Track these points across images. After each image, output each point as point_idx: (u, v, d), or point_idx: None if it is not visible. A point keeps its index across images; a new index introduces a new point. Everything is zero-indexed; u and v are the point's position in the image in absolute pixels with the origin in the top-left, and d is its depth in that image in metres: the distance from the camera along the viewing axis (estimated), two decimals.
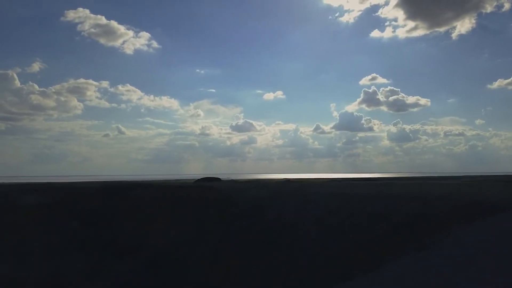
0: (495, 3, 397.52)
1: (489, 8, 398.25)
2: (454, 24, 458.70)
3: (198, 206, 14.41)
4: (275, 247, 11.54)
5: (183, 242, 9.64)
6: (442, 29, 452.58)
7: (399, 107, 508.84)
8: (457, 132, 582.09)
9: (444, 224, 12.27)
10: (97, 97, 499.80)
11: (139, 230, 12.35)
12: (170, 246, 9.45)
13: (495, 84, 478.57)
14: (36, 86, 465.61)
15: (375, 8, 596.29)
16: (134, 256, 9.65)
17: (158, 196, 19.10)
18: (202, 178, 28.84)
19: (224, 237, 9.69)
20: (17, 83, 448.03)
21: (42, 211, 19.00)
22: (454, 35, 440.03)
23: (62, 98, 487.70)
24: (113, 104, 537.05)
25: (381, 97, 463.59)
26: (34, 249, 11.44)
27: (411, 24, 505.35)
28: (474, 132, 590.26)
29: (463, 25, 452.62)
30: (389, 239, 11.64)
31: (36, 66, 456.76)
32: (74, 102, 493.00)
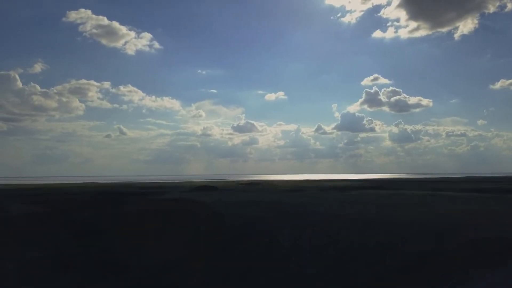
0: (497, 3, 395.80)
1: (491, 8, 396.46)
2: (457, 25, 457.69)
3: (189, 224, 13.92)
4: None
5: (172, 263, 9.19)
6: (444, 30, 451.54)
7: (401, 107, 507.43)
8: (459, 133, 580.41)
9: (458, 265, 10.36)
10: (98, 98, 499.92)
11: (128, 247, 11.93)
12: (159, 266, 8.99)
13: (498, 85, 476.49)
14: (38, 87, 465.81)
15: (377, 8, 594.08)
16: (120, 277, 9.20)
17: (150, 209, 18.77)
18: (199, 187, 28.53)
19: (210, 263, 8.98)
20: (19, 84, 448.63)
21: (29, 223, 18.67)
22: (456, 36, 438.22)
23: (64, 99, 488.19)
24: (114, 105, 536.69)
25: (383, 97, 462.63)
26: (8, 271, 10.91)
27: (413, 24, 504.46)
28: (476, 133, 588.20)
29: (466, 26, 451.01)
30: (393, 280, 9.97)
31: (38, 67, 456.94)
32: (75, 102, 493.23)
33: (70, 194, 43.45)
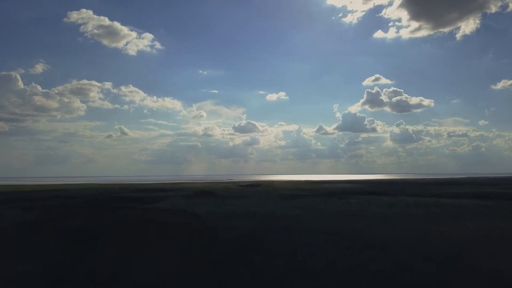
0: (499, 3, 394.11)
1: (493, 9, 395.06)
2: (459, 25, 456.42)
3: (180, 239, 13.27)
4: None
5: (161, 279, 8.67)
6: (446, 30, 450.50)
7: (402, 108, 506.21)
8: (460, 133, 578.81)
9: None
10: (100, 98, 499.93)
11: (119, 259, 11.42)
12: (149, 282, 8.48)
13: (499, 85, 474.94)
14: (39, 87, 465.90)
15: (378, 8, 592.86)
16: None
17: (142, 220, 18.21)
18: (197, 193, 27.95)
19: (198, 284, 8.34)
20: (20, 84, 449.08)
21: (22, 232, 18.15)
22: (458, 36, 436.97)
23: (65, 99, 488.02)
24: (116, 105, 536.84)
25: (384, 98, 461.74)
26: None
27: (415, 24, 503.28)
28: (477, 133, 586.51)
29: (468, 26, 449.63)
30: None
31: (39, 67, 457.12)
32: (77, 103, 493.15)
33: (66, 198, 43.00)
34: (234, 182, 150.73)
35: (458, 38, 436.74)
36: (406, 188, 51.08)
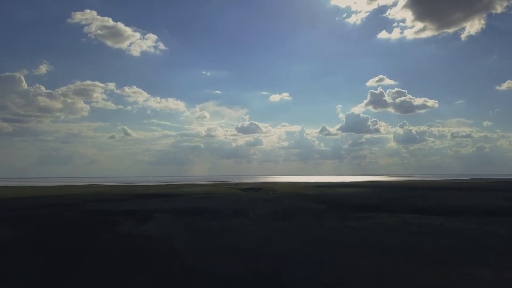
0: (505, 4, 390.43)
1: (499, 9, 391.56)
2: (463, 25, 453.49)
3: (158, 274, 11.87)
4: None
5: None
6: (451, 30, 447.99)
7: (406, 108, 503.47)
8: (464, 134, 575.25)
9: None
10: (103, 99, 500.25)
11: (95, 284, 10.33)
12: None
13: (504, 86, 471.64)
14: (43, 88, 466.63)
15: (382, 9, 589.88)
16: None
17: (128, 247, 16.77)
18: (190, 209, 26.17)
19: None
20: (24, 85, 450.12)
21: (5, 252, 17.07)
22: (463, 36, 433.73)
23: (69, 100, 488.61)
24: (119, 106, 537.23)
25: (388, 98, 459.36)
26: None
27: (419, 25, 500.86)
28: (481, 134, 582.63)
29: (473, 26, 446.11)
30: None
31: (43, 68, 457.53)
32: (80, 104, 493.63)
33: (61, 206, 41.83)
34: (236, 184, 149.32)
35: (463, 39, 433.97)
36: (409, 197, 49.42)
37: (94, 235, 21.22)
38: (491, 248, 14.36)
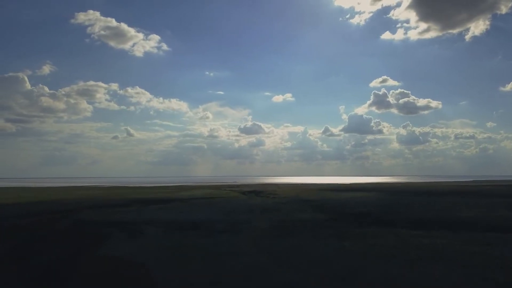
0: (510, 4, 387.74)
1: (504, 9, 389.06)
2: (468, 26, 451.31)
3: None
4: None
5: None
6: (455, 31, 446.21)
7: (409, 109, 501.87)
8: (467, 135, 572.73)
9: None
10: (106, 100, 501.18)
11: None
12: None
13: (508, 86, 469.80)
14: (46, 89, 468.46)
15: (386, 9, 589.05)
16: None
17: (105, 272, 15.92)
18: (182, 224, 25.06)
19: None
20: (28, 85, 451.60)
21: None
22: (467, 37, 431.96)
23: (72, 100, 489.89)
24: (122, 106, 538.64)
25: (391, 99, 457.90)
26: None
27: (423, 25, 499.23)
28: (485, 135, 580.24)
29: (477, 27, 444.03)
30: None
31: (46, 69, 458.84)
32: (83, 104, 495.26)
33: (53, 214, 41.13)
34: (238, 186, 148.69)
35: (467, 40, 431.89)
36: (410, 204, 48.43)
37: (75, 254, 20.44)
38: (496, 283, 13.33)
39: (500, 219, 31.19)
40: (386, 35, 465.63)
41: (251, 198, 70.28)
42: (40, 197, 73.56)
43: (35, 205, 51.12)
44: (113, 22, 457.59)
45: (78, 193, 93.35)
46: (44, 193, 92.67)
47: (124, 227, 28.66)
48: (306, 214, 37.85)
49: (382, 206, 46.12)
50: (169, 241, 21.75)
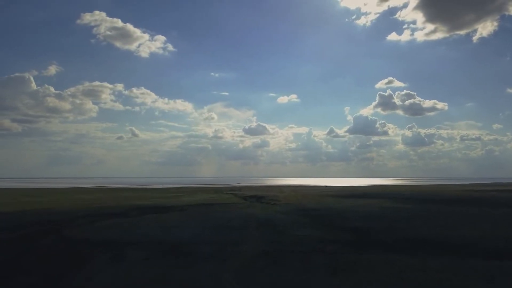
0: None
1: None
2: (476, 27, 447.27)
3: None
4: None
5: None
6: (462, 32, 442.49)
7: (415, 111, 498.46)
8: (473, 137, 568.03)
9: None
10: (111, 100, 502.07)
11: None
12: None
13: None
14: (52, 89, 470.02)
15: (393, 10, 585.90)
16: None
17: None
18: (169, 245, 23.82)
19: None
20: (34, 85, 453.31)
21: None
22: (475, 38, 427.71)
23: (78, 101, 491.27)
24: (127, 107, 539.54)
25: (397, 100, 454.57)
26: None
27: (430, 27, 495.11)
28: (491, 137, 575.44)
29: (485, 28, 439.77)
30: None
31: (52, 69, 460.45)
32: (89, 104, 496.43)
33: (43, 225, 40.04)
34: (240, 189, 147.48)
35: (474, 41, 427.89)
36: (410, 217, 47.12)
37: (49, 280, 19.28)
38: None
39: (507, 241, 29.60)
40: (393, 36, 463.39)
41: (250, 206, 68.92)
42: (36, 202, 72.65)
43: (25, 215, 49.97)
44: (119, 23, 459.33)
45: (76, 197, 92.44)
46: (42, 197, 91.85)
47: (108, 248, 27.41)
48: (303, 230, 36.46)
49: (382, 219, 44.60)
50: (147, 271, 20.43)
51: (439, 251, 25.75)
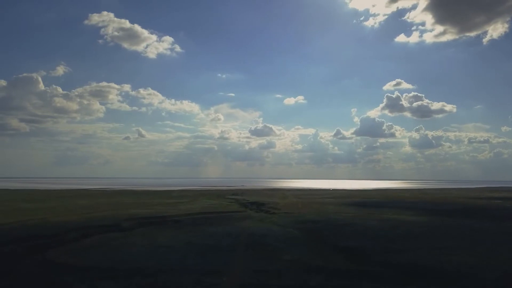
0: None
1: None
2: (486, 29, 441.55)
3: None
4: None
5: None
6: (472, 34, 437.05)
7: (423, 113, 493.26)
8: (481, 139, 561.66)
9: None
10: (118, 101, 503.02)
11: None
12: None
13: None
14: (59, 89, 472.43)
15: (402, 12, 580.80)
16: None
17: None
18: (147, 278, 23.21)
19: None
20: (41, 86, 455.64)
21: None
22: (485, 40, 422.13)
23: (85, 101, 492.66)
24: (134, 108, 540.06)
25: (404, 102, 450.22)
26: None
27: (439, 28, 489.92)
28: (500, 139, 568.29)
29: (495, 30, 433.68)
30: None
31: (60, 70, 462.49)
32: (96, 105, 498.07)
33: (30, 241, 39.11)
34: (243, 193, 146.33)
35: (484, 43, 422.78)
36: (409, 237, 45.77)
37: None
38: None
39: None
40: (401, 38, 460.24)
41: (248, 217, 67.56)
42: (32, 211, 71.76)
43: (16, 229, 48.91)
44: (126, 24, 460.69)
45: (75, 204, 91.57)
46: (41, 203, 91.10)
47: (86, 276, 26.33)
48: (294, 250, 35.26)
49: (379, 237, 43.11)
50: None
51: (433, 281, 24.30)
